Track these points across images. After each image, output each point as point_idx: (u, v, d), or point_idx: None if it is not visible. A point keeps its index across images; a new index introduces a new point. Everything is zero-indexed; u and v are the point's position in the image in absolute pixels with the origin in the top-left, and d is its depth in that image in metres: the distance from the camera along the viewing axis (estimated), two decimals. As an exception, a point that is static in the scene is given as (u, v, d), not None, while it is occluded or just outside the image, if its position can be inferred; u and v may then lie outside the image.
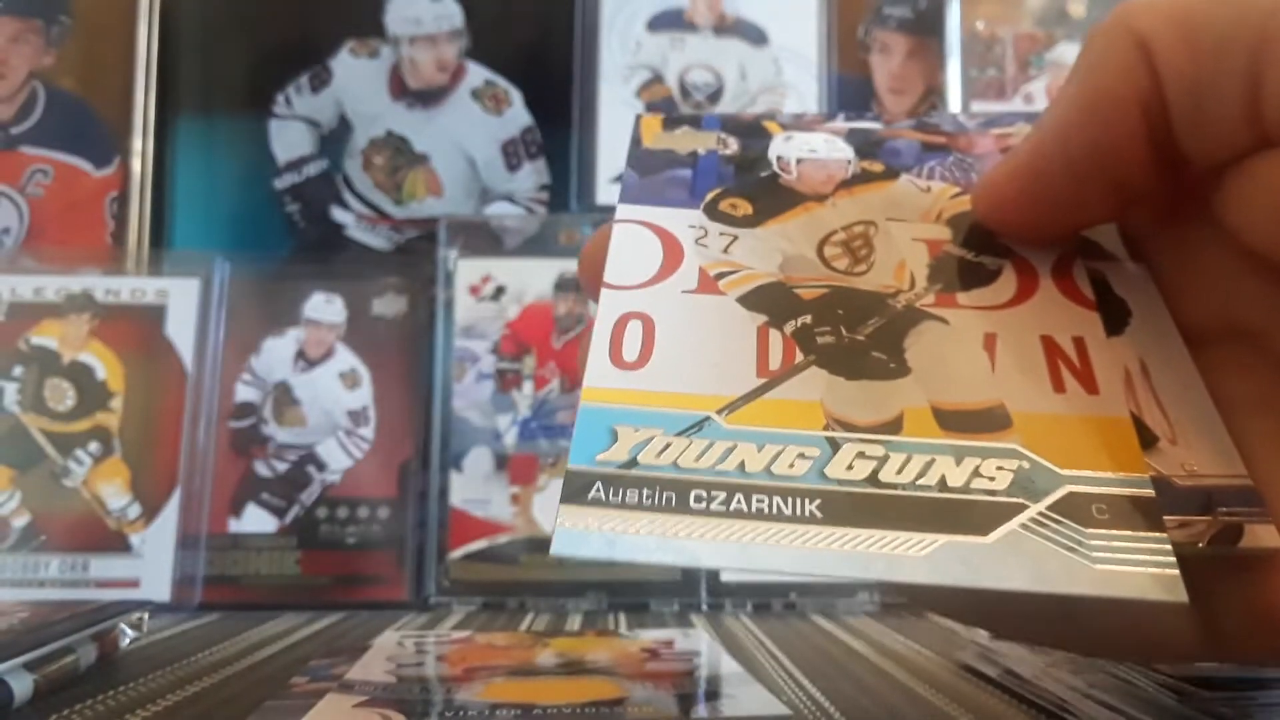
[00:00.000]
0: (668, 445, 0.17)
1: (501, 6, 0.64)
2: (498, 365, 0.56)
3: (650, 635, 0.39)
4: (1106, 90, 0.18)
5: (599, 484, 0.16)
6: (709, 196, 0.23)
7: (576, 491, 0.16)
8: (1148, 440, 0.18)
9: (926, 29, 0.66)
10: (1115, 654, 0.24)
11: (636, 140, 0.24)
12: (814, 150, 0.24)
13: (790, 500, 0.16)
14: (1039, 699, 0.29)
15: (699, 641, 0.38)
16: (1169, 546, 0.16)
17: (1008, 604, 0.20)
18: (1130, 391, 0.19)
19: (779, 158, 0.24)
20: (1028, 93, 0.65)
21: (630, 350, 0.19)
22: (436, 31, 0.63)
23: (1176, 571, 0.15)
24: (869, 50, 0.66)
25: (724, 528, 0.16)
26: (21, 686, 0.28)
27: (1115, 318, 0.20)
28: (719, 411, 0.18)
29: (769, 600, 0.51)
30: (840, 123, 0.25)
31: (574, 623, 0.47)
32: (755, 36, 0.65)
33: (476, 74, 0.63)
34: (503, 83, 0.63)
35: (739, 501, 0.16)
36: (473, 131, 0.63)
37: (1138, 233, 0.22)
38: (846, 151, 0.24)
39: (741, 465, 0.17)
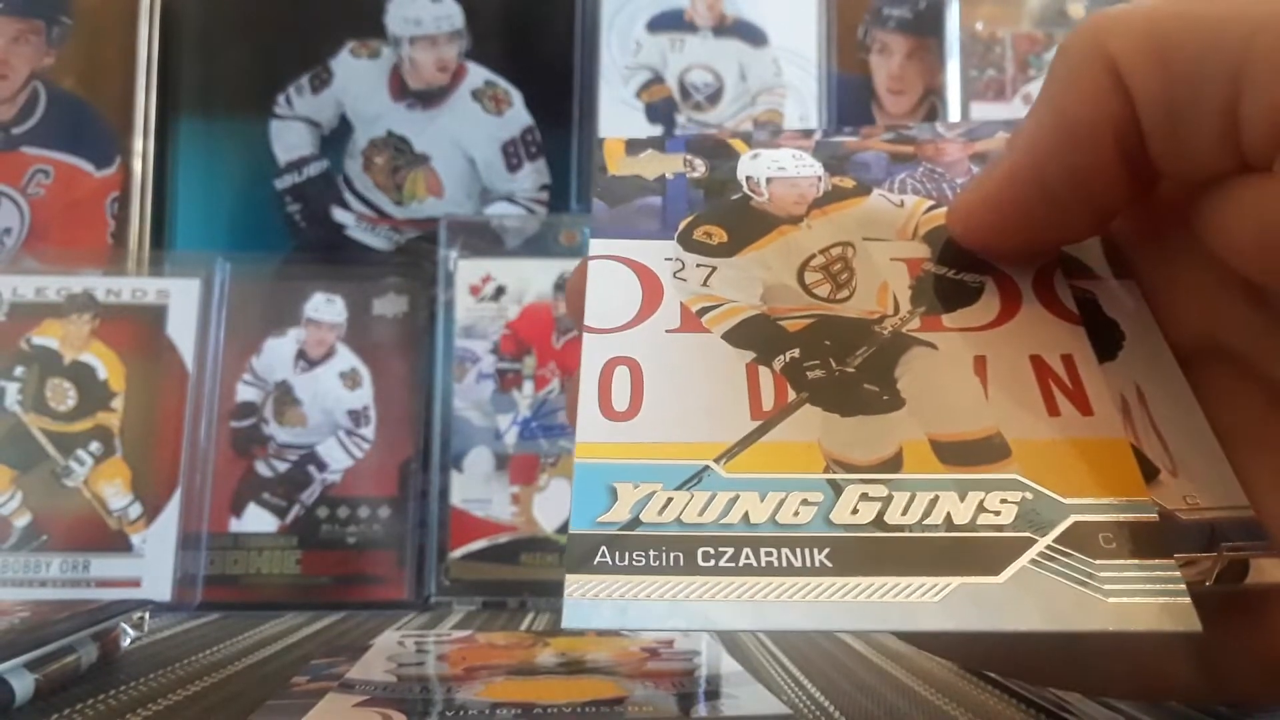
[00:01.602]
0: (669, 501, 0.17)
1: (502, 7, 0.64)
2: (498, 365, 0.56)
3: (650, 635, 0.39)
4: (1079, 116, 0.18)
5: (604, 548, 0.16)
6: (682, 225, 0.22)
7: (582, 558, 0.16)
8: (1148, 473, 0.18)
9: (926, 29, 0.66)
10: (1119, 693, 0.24)
11: (601, 167, 0.24)
12: (782, 168, 0.23)
13: (799, 551, 0.16)
14: (1039, 699, 0.29)
15: (699, 641, 0.38)
16: (1178, 574, 0.16)
17: (1017, 644, 0.20)
18: (1128, 420, 0.18)
19: (748, 178, 0.23)
20: (1027, 93, 0.65)
21: (620, 399, 0.18)
22: (437, 32, 0.63)
23: (1188, 600, 0.15)
24: (869, 50, 0.66)
25: (735, 586, 0.16)
26: (23, 686, 0.28)
27: (1108, 341, 0.20)
28: (717, 460, 0.17)
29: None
30: (807, 138, 0.25)
31: (574, 622, 0.47)
32: (755, 37, 0.65)
33: (477, 74, 0.63)
34: (503, 83, 0.63)
35: (747, 557, 0.16)
36: (473, 132, 0.63)
37: (1122, 246, 0.21)
38: (815, 167, 0.23)
39: (746, 517, 0.16)
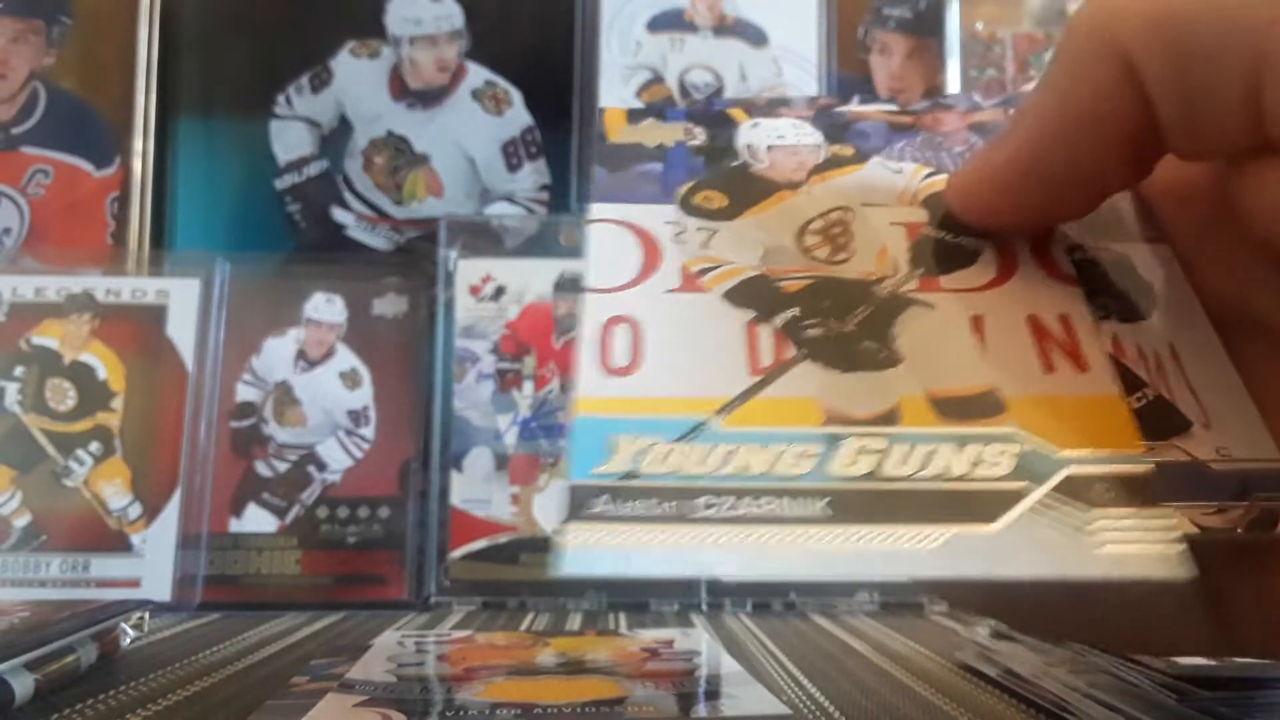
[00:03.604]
0: (669, 452, 0.17)
1: (502, 7, 0.64)
2: (498, 365, 0.56)
3: (650, 635, 0.39)
4: (1086, 110, 0.18)
5: (605, 497, 0.16)
6: (682, 190, 0.22)
7: (581, 507, 0.16)
8: (1181, 425, 0.18)
9: (926, 29, 0.66)
10: (1131, 647, 0.24)
11: (601, 135, 0.24)
12: (782, 136, 0.24)
13: (798, 500, 0.16)
14: (1038, 699, 0.29)
15: (699, 641, 0.38)
16: (1172, 523, 0.16)
17: (1021, 594, 0.20)
18: (1161, 376, 0.19)
19: (748, 146, 0.23)
20: (1027, 93, 0.65)
21: (620, 355, 0.18)
22: (437, 32, 0.63)
23: (1183, 548, 0.15)
24: (869, 50, 0.66)
25: (735, 534, 0.16)
26: (22, 686, 0.28)
27: (1142, 301, 0.20)
28: (716, 414, 0.17)
29: (769, 600, 0.51)
30: (805, 107, 0.25)
31: (574, 622, 0.47)
32: (755, 37, 0.65)
33: (477, 74, 0.63)
34: (503, 83, 0.63)
35: (747, 505, 0.16)
36: (473, 132, 0.63)
37: (1156, 211, 0.21)
38: (815, 136, 0.24)
39: (746, 468, 0.17)
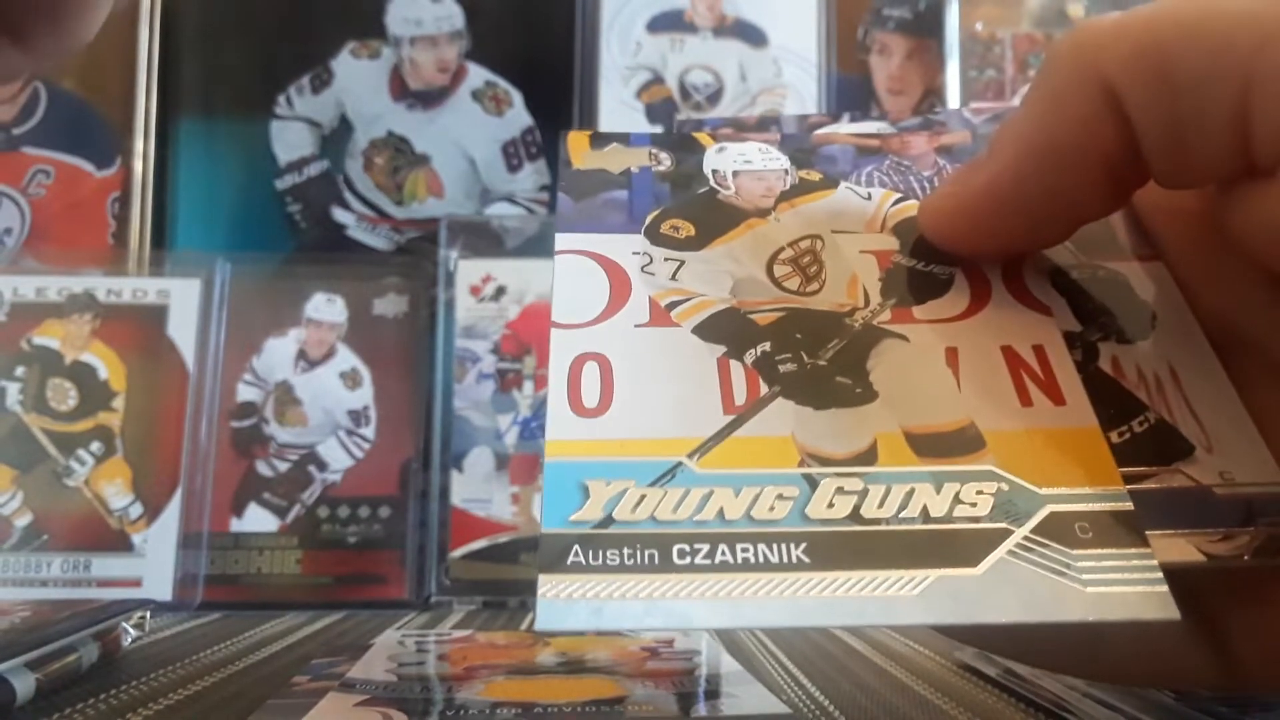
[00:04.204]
0: (643, 498, 0.16)
1: (502, 8, 0.64)
2: (498, 365, 0.56)
3: (650, 634, 0.39)
4: (1068, 142, 0.18)
5: (576, 547, 0.16)
6: (649, 219, 0.22)
7: (554, 558, 0.16)
8: (1184, 449, 0.18)
9: (926, 30, 0.66)
10: (1134, 680, 0.24)
11: (565, 161, 0.24)
12: (749, 161, 0.23)
13: (775, 546, 0.16)
14: (1038, 698, 0.29)
15: (699, 640, 0.38)
16: (1155, 563, 0.16)
17: (1030, 630, 0.20)
18: (1161, 398, 0.18)
19: (714, 171, 0.23)
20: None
21: (590, 396, 0.18)
22: (437, 32, 0.63)
23: (1165, 588, 0.15)
24: (868, 51, 0.66)
25: (712, 583, 0.15)
26: (24, 685, 0.28)
27: (1140, 321, 0.20)
28: (690, 456, 0.17)
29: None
30: (773, 131, 0.25)
31: (574, 622, 0.47)
32: (755, 37, 0.65)
33: (477, 75, 0.63)
34: (503, 83, 0.63)
35: (724, 553, 0.16)
36: (473, 132, 0.63)
37: (1149, 230, 0.21)
38: (782, 161, 0.23)
39: (721, 513, 0.16)
